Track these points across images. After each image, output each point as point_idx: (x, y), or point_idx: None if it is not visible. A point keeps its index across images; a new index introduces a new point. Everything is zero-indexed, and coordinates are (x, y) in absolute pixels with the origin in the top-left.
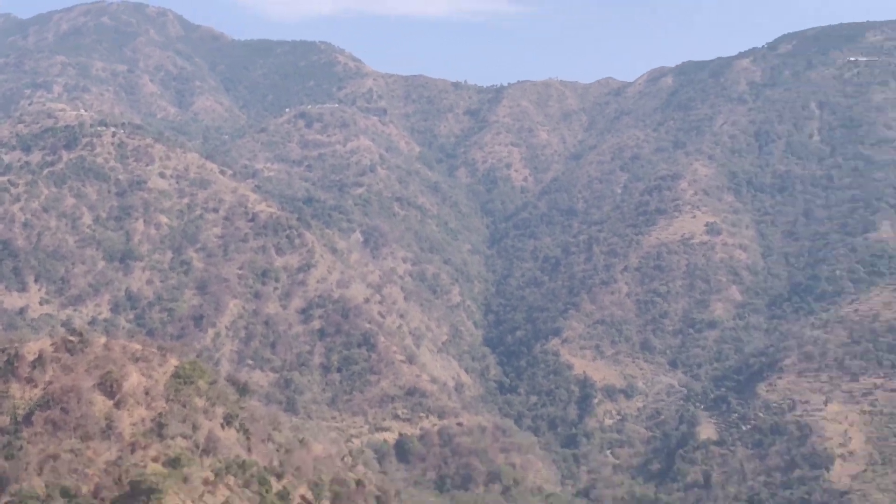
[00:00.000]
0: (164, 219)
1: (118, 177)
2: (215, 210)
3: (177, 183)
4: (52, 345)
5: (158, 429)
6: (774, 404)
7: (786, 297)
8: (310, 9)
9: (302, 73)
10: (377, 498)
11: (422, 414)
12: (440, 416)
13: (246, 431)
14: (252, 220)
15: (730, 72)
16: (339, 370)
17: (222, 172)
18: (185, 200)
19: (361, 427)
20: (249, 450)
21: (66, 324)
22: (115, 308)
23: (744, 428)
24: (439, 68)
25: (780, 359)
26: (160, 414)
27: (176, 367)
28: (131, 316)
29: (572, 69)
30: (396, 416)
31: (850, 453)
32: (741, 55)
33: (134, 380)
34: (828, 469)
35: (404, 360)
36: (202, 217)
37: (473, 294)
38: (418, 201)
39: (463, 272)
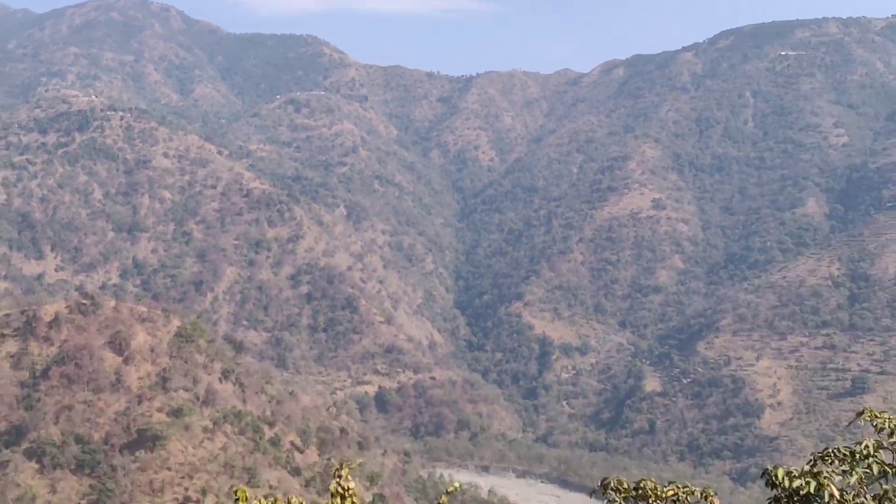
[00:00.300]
0: (167, 194)
1: (126, 156)
2: (213, 186)
3: (178, 162)
4: (66, 307)
5: (163, 382)
6: (712, 360)
7: (722, 265)
8: (295, 5)
9: (291, 63)
10: (359, 443)
11: (399, 369)
12: (415, 371)
13: (241, 385)
14: (246, 195)
15: (674, 64)
16: (324, 330)
17: (220, 153)
18: (186, 178)
19: (345, 381)
20: (244, 401)
21: (80, 288)
22: (124, 274)
23: (684, 381)
24: (415, 60)
25: (717, 320)
26: (164, 369)
27: (178, 327)
28: (138, 281)
29: (534, 61)
30: (376, 371)
31: (779, 404)
32: (685, 49)
33: (140, 338)
34: (759, 417)
35: (383, 321)
36: (201, 193)
37: (445, 262)
38: (396, 179)
39: (436, 243)
